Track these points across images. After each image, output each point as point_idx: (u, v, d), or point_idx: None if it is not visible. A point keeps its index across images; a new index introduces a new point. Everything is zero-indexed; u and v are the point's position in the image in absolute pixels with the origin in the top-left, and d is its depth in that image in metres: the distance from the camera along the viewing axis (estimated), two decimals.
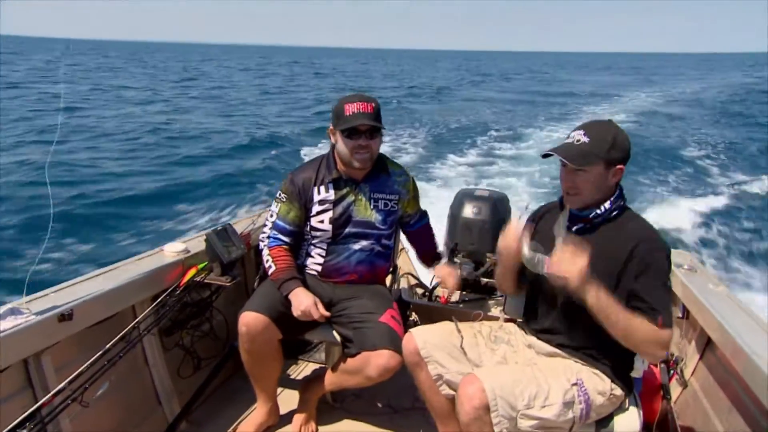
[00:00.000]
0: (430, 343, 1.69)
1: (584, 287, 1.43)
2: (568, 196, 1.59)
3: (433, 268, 2.28)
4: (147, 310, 1.99)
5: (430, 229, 2.36)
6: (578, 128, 1.57)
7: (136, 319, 1.93)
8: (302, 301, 1.91)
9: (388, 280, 2.50)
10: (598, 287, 1.44)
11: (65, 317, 1.66)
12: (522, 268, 1.73)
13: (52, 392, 1.53)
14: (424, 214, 2.34)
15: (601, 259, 1.53)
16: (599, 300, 1.44)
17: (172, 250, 2.21)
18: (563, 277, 1.44)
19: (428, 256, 2.33)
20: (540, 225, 1.77)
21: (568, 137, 1.57)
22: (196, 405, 2.18)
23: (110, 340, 1.78)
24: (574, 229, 1.62)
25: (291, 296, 1.94)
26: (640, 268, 1.49)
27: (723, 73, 55.27)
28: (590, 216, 1.58)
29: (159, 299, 2.04)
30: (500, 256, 1.75)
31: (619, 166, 1.54)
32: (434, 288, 2.68)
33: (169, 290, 2.09)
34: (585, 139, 1.52)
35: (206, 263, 2.22)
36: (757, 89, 29.74)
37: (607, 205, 1.57)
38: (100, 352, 1.72)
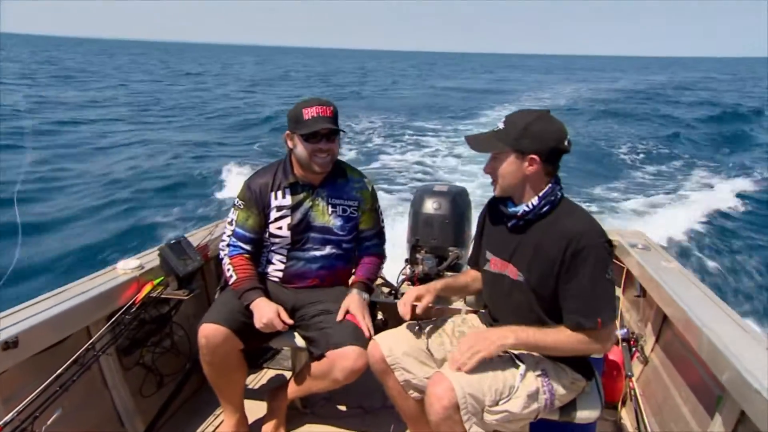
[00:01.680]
0: (396, 349, 1.68)
1: (502, 343, 1.49)
2: (492, 183, 1.63)
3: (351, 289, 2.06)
4: (102, 330, 1.92)
5: (377, 261, 2.18)
6: (505, 116, 1.60)
7: (90, 341, 1.87)
8: (264, 313, 1.88)
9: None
10: (513, 331, 1.50)
11: (9, 345, 1.58)
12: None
13: None
14: (379, 243, 2.20)
15: (536, 260, 1.55)
16: (521, 342, 1.51)
17: (125, 267, 2.14)
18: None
19: (356, 279, 2.11)
20: (487, 221, 1.78)
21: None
22: (161, 423, 2.13)
23: (63, 364, 1.71)
24: (509, 225, 1.63)
25: (252, 307, 1.91)
26: (573, 269, 1.49)
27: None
28: (519, 213, 1.58)
29: (114, 318, 1.98)
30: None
31: (531, 156, 1.53)
32: (400, 286, 2.69)
33: (125, 308, 2.03)
34: (501, 125, 1.56)
35: (162, 278, 2.17)
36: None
37: (534, 201, 1.55)
38: (52, 378, 1.65)
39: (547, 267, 1.53)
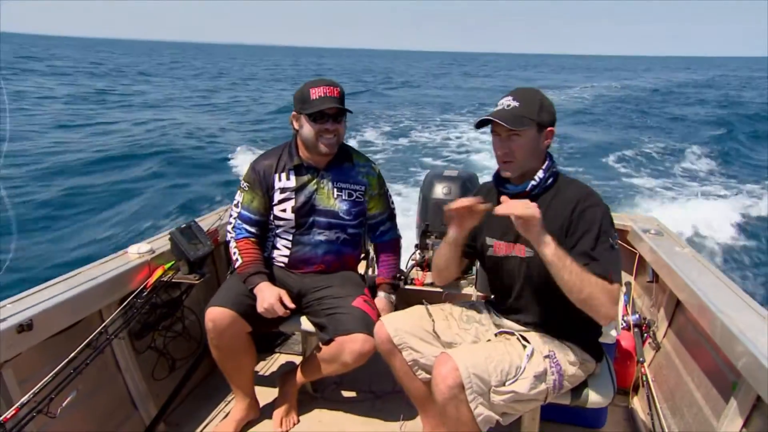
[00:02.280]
0: (402, 329, 1.68)
1: (542, 232, 1.41)
2: (504, 164, 1.59)
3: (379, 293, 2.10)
4: (114, 314, 1.94)
5: (396, 249, 2.20)
6: (506, 95, 1.58)
7: (103, 324, 1.88)
8: (265, 298, 1.89)
9: (362, 266, 2.49)
10: (552, 241, 1.42)
11: (24, 328, 1.60)
12: (467, 251, 1.75)
13: (16, 405, 1.48)
14: (392, 226, 2.19)
15: (546, 228, 1.53)
16: (554, 249, 1.41)
17: (136, 252, 2.15)
18: (524, 221, 1.40)
19: (381, 279, 2.14)
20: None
21: (497, 105, 1.58)
22: (174, 406, 2.15)
23: (77, 347, 1.73)
24: None
25: (255, 291, 1.92)
26: (582, 226, 1.49)
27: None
28: (527, 189, 1.58)
29: (126, 302, 1.99)
30: (450, 232, 1.65)
31: (549, 129, 1.57)
32: (410, 272, 2.68)
33: (137, 292, 2.04)
34: (515, 103, 1.54)
35: (173, 262, 2.18)
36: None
37: (540, 174, 1.57)
38: (66, 360, 1.67)
39: (555, 233, 1.49)
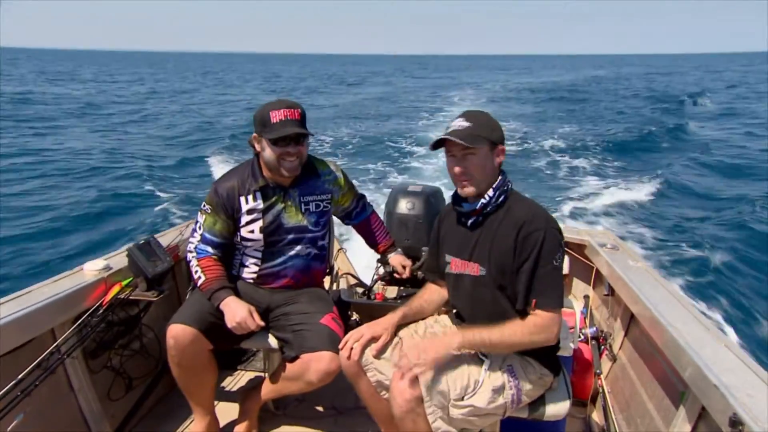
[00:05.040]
0: (368, 350, 1.67)
1: (448, 344, 1.52)
2: (461, 185, 1.62)
3: (389, 257, 2.35)
4: (67, 333, 1.88)
5: (378, 218, 2.37)
6: (457, 118, 1.63)
7: (55, 343, 1.82)
8: (237, 312, 1.85)
9: (327, 281, 2.48)
10: (458, 333, 1.55)
11: None
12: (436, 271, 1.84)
13: None
14: (364, 204, 2.32)
15: (494, 251, 1.58)
16: (468, 341, 1.53)
17: (92, 268, 2.10)
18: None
19: (383, 246, 2.37)
20: (443, 227, 1.80)
21: (448, 128, 1.62)
22: (130, 426, 2.09)
23: (27, 368, 1.67)
24: (468, 223, 1.66)
25: (223, 306, 1.88)
26: (523, 253, 1.53)
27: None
28: (478, 207, 1.62)
29: (80, 320, 1.93)
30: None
31: (501, 147, 1.62)
32: (373, 285, 2.68)
33: (92, 310, 1.98)
34: (467, 123, 1.59)
35: (131, 279, 2.13)
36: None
37: (490, 192, 1.61)
38: (13, 382, 1.61)
39: (504, 256, 1.56)
